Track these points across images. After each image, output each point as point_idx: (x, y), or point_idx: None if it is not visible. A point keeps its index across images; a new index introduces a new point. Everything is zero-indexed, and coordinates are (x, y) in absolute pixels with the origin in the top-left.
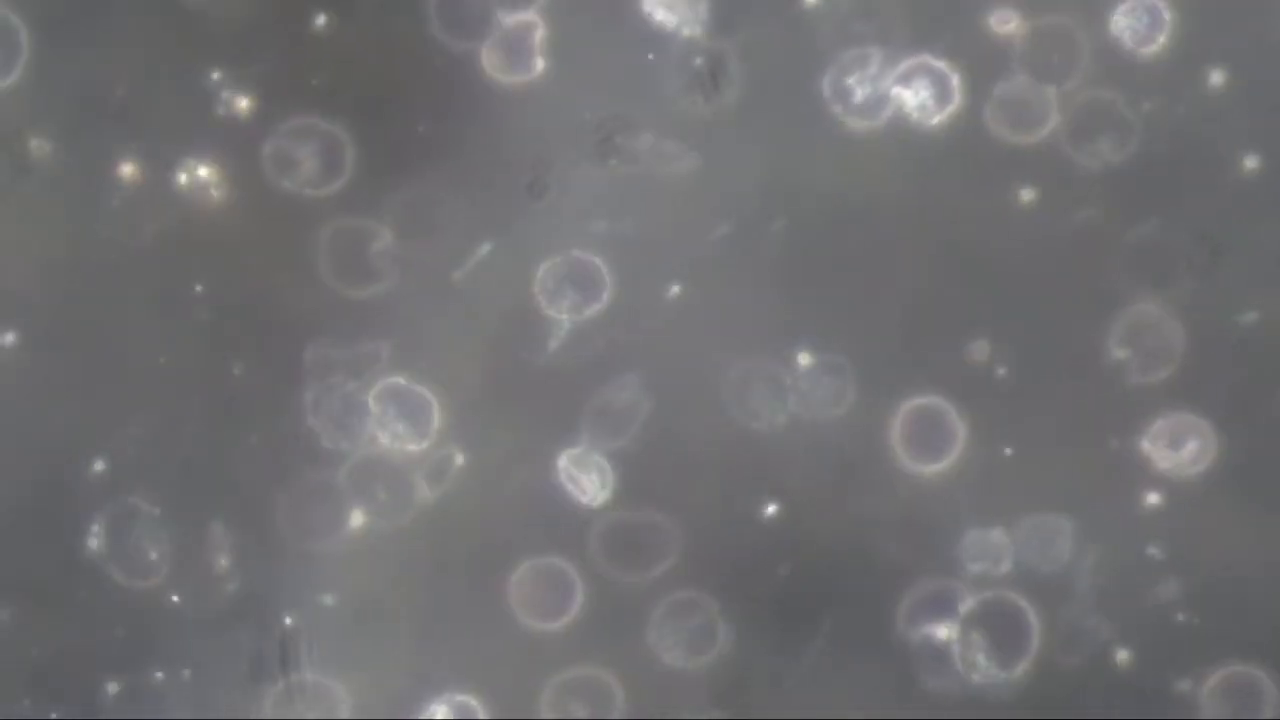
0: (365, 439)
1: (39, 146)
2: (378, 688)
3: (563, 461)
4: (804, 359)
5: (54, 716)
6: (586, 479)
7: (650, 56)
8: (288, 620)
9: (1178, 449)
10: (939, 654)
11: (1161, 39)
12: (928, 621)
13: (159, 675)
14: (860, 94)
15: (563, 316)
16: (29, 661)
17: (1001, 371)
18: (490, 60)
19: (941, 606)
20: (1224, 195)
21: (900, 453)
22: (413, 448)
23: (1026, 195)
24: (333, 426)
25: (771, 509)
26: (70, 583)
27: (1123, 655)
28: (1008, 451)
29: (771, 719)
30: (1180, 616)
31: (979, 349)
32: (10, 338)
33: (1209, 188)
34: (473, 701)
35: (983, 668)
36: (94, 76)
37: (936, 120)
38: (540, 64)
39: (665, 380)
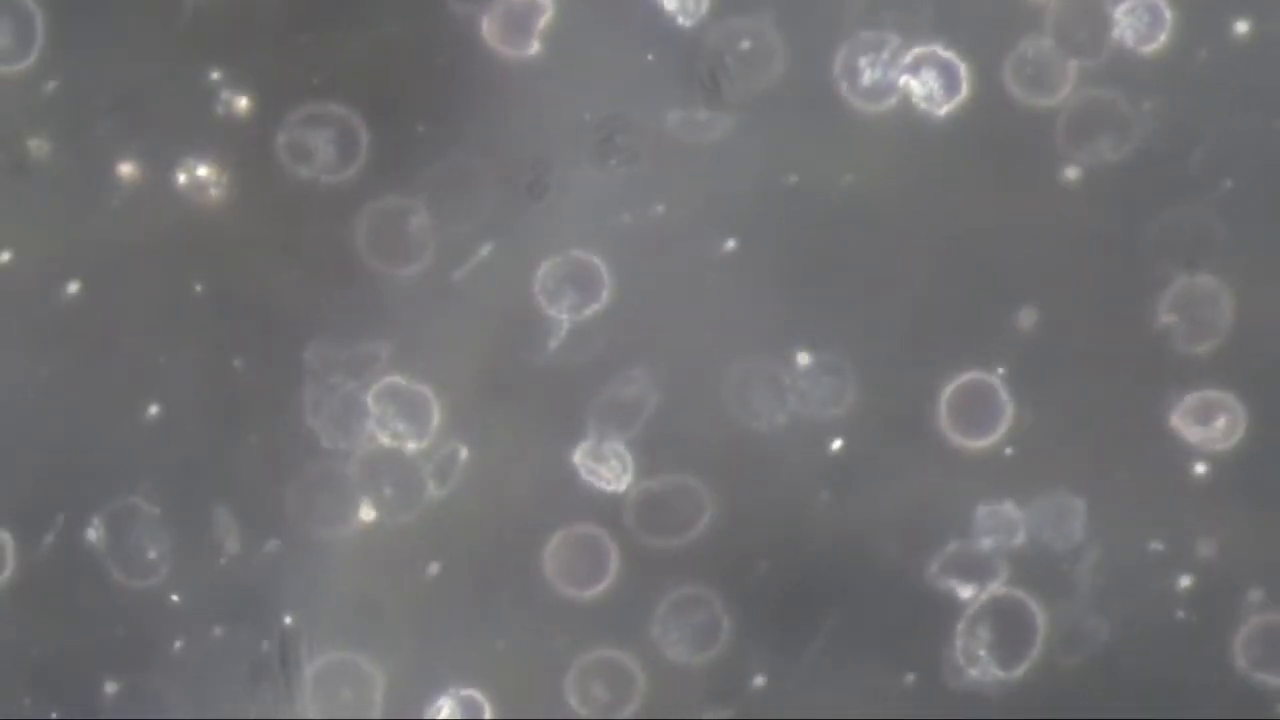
0: (366, 438)
1: (38, 146)
2: (377, 686)
3: (580, 454)
4: (804, 358)
5: (54, 716)
6: (607, 468)
7: (650, 57)
8: (287, 620)
9: (1207, 425)
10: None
11: (1162, 36)
12: (954, 582)
13: (159, 675)
14: (865, 86)
15: (562, 316)
16: (29, 661)
17: (1002, 370)
18: (490, 32)
19: (946, 606)
20: (1230, 188)
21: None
22: (413, 447)
23: (1030, 188)
24: (333, 426)
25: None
26: (70, 583)
27: (1127, 651)
28: (1008, 451)
29: (771, 719)
30: (1181, 613)
31: (987, 346)
32: (9, 336)
33: (1213, 182)
34: (478, 696)
35: (983, 664)
36: (94, 75)
37: (945, 109)
38: (537, 45)
39: (666, 379)
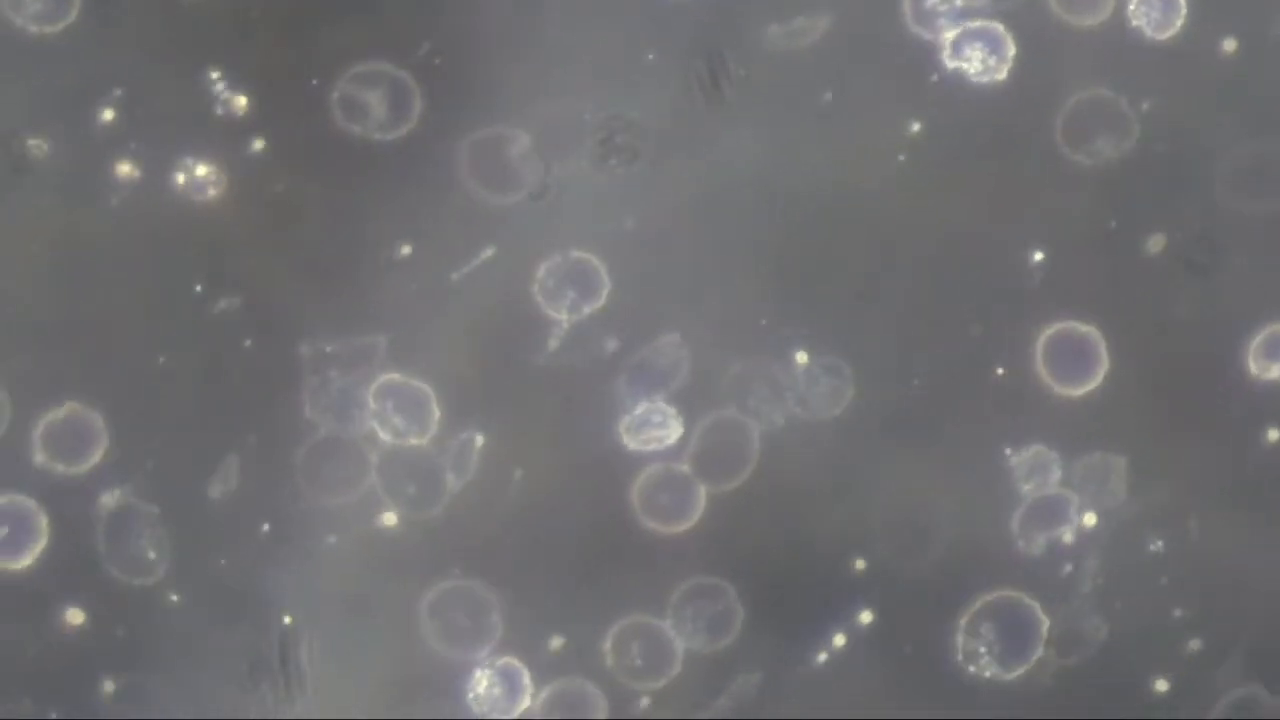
0: (365, 438)
1: (37, 146)
2: (374, 686)
3: (623, 425)
4: (803, 358)
5: (54, 716)
6: (651, 429)
7: (650, 57)
8: (287, 619)
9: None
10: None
11: (1178, 23)
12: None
13: (159, 675)
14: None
15: (562, 316)
16: (29, 661)
17: (1000, 371)
18: None
19: (957, 602)
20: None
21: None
22: (412, 445)
23: (1034, 184)
24: (332, 425)
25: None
26: (70, 583)
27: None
28: (1007, 451)
29: (772, 719)
30: (1178, 612)
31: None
32: (8, 336)
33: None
34: (516, 663)
35: (985, 662)
36: (92, 73)
37: (987, 80)
38: None
39: (665, 379)
